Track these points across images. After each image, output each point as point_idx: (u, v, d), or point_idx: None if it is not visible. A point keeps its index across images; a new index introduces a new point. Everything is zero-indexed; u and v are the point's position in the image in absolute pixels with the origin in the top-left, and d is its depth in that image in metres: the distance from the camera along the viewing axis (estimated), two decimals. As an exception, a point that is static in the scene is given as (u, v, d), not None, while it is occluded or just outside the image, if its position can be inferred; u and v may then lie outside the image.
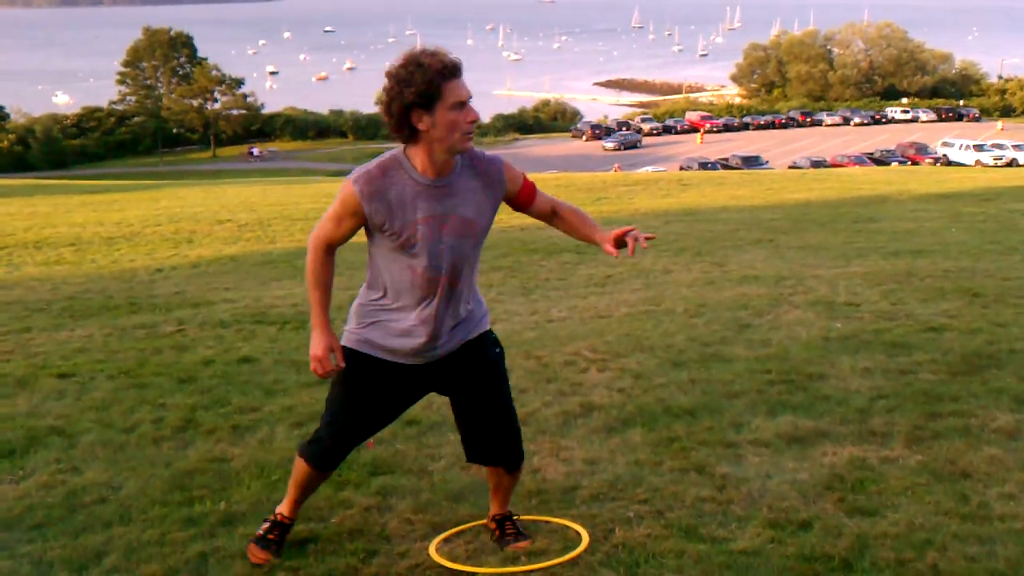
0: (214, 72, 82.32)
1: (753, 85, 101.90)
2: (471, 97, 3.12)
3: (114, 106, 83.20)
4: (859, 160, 56.43)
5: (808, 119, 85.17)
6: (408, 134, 3.14)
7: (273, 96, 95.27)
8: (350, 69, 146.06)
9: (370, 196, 3.17)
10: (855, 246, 11.49)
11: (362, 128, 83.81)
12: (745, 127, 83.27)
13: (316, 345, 3.35)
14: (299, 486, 3.62)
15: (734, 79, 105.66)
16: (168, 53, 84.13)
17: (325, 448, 3.51)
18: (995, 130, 74.64)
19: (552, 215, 3.50)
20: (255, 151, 77.51)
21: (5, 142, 72.25)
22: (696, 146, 71.47)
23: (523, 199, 3.42)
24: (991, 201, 18.10)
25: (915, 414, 4.88)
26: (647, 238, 3.35)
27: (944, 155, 56.89)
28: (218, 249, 13.53)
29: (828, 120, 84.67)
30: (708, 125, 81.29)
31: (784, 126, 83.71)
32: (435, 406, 5.25)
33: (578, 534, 3.66)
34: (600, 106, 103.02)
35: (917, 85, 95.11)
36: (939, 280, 8.67)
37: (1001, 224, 13.88)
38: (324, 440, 3.50)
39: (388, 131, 3.20)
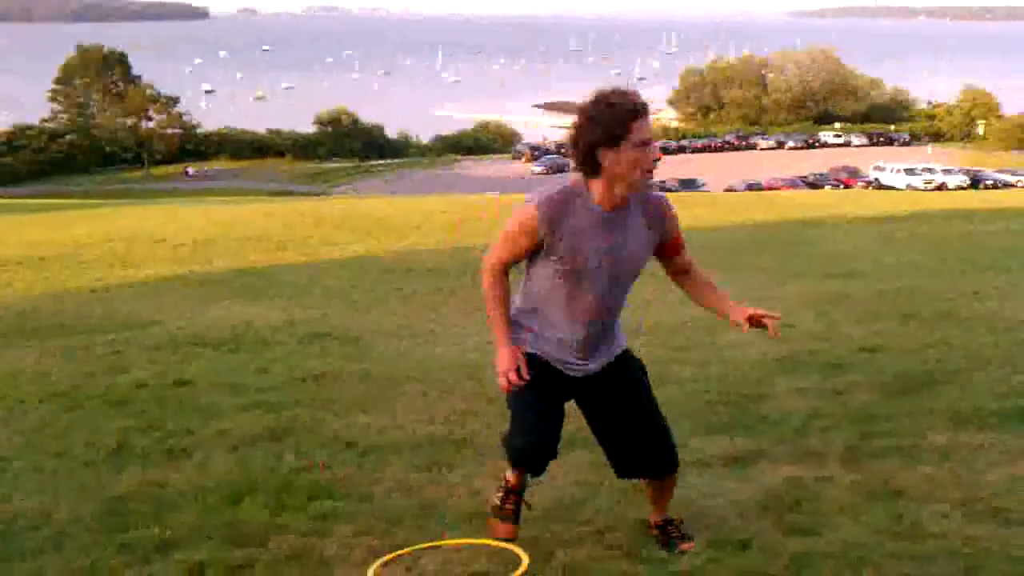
0: (149, 91, 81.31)
1: (690, 109, 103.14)
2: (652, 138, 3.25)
3: (46, 124, 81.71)
4: (793, 183, 57.37)
5: (743, 143, 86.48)
6: (591, 168, 3.27)
7: (209, 115, 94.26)
8: (288, 88, 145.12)
9: (550, 221, 3.29)
10: (790, 268, 11.67)
11: (300, 148, 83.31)
12: (682, 150, 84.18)
13: (504, 360, 3.40)
14: (510, 497, 3.64)
15: (671, 103, 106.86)
16: (101, 71, 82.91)
17: (530, 445, 3.47)
18: (925, 154, 76.38)
19: (685, 275, 3.64)
20: (191, 171, 76.62)
21: (-68, 160, 70.61)
22: (634, 169, 71.97)
23: (671, 247, 3.53)
24: (922, 224, 18.52)
25: (850, 434, 4.95)
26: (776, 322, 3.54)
27: (876, 179, 58.05)
28: (154, 270, 13.32)
29: (763, 144, 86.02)
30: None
31: (720, 149, 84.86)
32: (374, 429, 5.22)
33: (518, 556, 3.64)
34: (541, 129, 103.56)
35: (850, 110, 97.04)
36: (873, 301, 8.84)
37: (933, 246, 14.19)
38: (525, 440, 3.47)
39: (573, 163, 3.33)
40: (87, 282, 12.10)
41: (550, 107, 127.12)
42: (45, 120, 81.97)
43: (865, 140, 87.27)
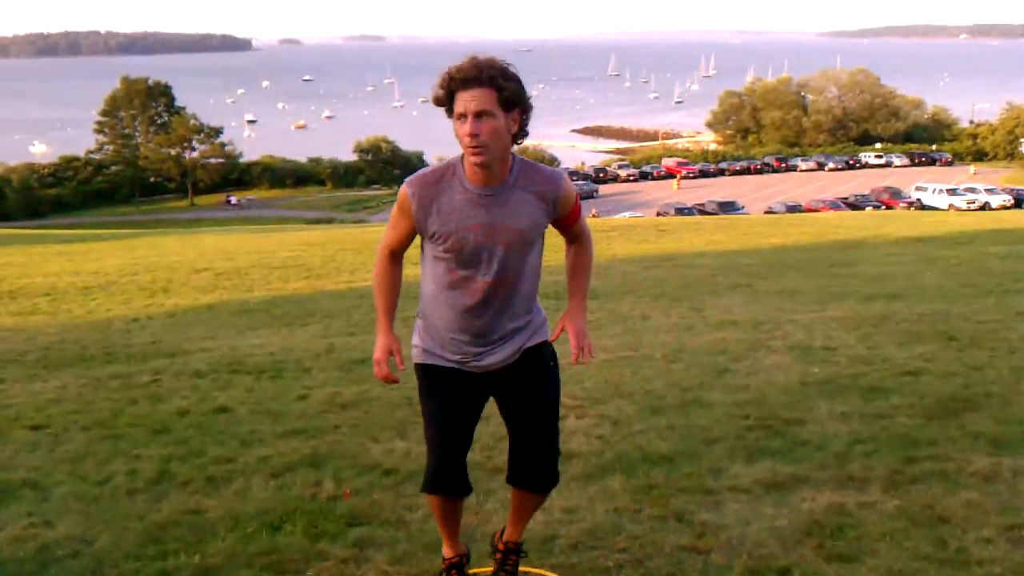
0: (192, 121, 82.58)
1: (728, 131, 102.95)
2: (480, 111, 3.00)
3: (91, 155, 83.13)
4: (834, 205, 56.95)
5: (783, 164, 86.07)
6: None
7: (251, 144, 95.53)
8: (329, 118, 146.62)
9: (420, 199, 3.17)
10: (831, 290, 11.56)
11: (340, 176, 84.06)
12: (721, 173, 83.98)
13: (377, 348, 3.36)
14: (440, 521, 3.56)
15: (709, 125, 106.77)
16: (146, 102, 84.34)
17: (431, 468, 3.38)
18: (967, 174, 75.58)
19: (571, 244, 3.52)
20: (233, 199, 77.55)
21: (-19, 192, 72.00)
22: (673, 192, 71.97)
23: (567, 220, 3.37)
24: (965, 245, 18.29)
25: (892, 459, 4.88)
26: (587, 356, 3.44)
27: (918, 199, 57.49)
28: (194, 298, 13.47)
29: (802, 165, 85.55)
30: (684, 171, 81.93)
31: (759, 172, 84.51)
32: (412, 455, 5.23)
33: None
34: (578, 153, 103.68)
35: (890, 131, 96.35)
36: (915, 324, 8.73)
37: (975, 267, 14.01)
38: (429, 462, 3.40)
39: None
40: (129, 311, 12.26)
41: (588, 132, 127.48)
42: (91, 151, 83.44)
43: (906, 160, 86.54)
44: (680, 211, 54.36)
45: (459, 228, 3.14)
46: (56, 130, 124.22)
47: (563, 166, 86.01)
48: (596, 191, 73.21)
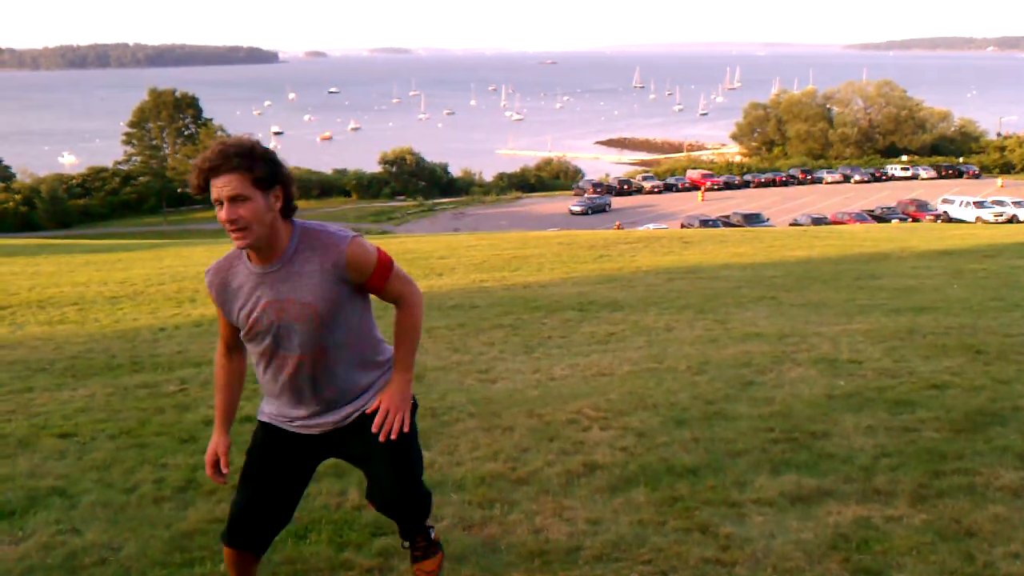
0: (219, 132, 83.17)
1: (753, 143, 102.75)
2: (235, 196, 2.96)
3: (119, 166, 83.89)
4: (860, 217, 56.67)
5: (808, 177, 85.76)
6: None
7: (278, 155, 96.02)
8: (354, 129, 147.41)
9: (217, 287, 3.21)
10: (857, 303, 11.50)
11: (365, 187, 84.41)
12: (746, 185, 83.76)
13: (208, 450, 3.41)
14: (231, 572, 3.47)
15: (734, 137, 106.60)
16: (173, 114, 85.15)
17: (231, 517, 3.36)
18: (995, 187, 75.05)
19: (396, 308, 3.33)
20: (259, 210, 77.99)
21: (11, 203, 72.76)
22: (697, 204, 71.82)
23: (370, 286, 3.21)
24: (992, 258, 18.15)
25: (919, 472, 4.85)
26: (386, 434, 3.22)
27: (945, 212, 57.16)
28: (221, 308, 13.54)
29: (828, 178, 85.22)
30: (709, 183, 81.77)
31: (784, 184, 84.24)
32: (436, 465, 5.24)
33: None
34: (602, 164, 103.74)
35: (917, 143, 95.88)
36: (941, 337, 8.67)
37: (1003, 280, 13.90)
38: (231, 512, 3.39)
39: None
40: (156, 320, 12.34)
41: (612, 143, 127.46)
42: (119, 162, 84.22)
43: (933, 173, 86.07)
44: (704, 223, 54.24)
45: (251, 309, 3.15)
46: (85, 141, 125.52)
47: (587, 177, 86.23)
48: (609, 204, 72.32)
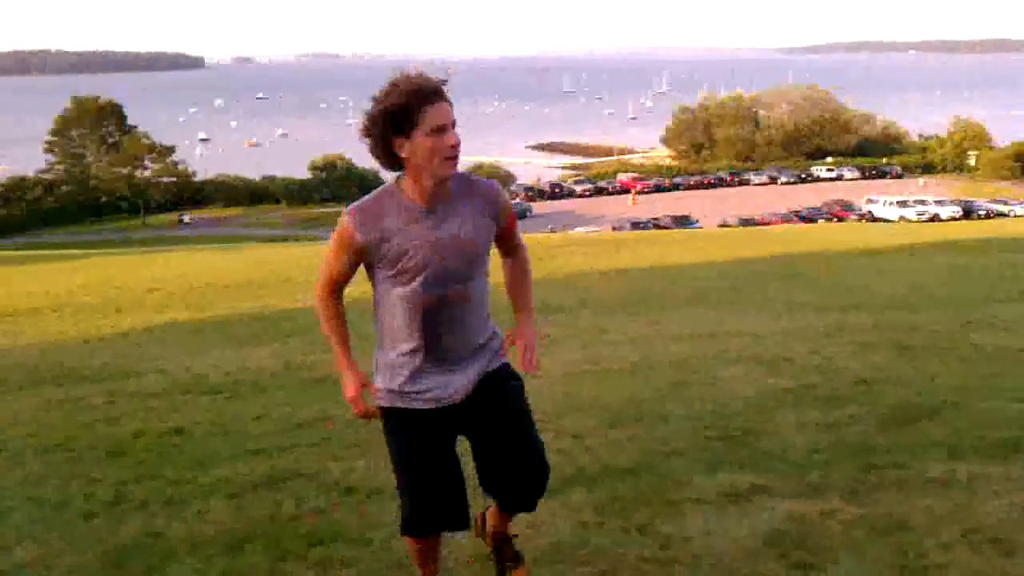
0: (144, 140, 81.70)
1: (682, 147, 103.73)
2: (454, 121, 3.02)
3: (42, 175, 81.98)
4: (787, 218, 57.65)
5: (736, 179, 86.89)
6: (392, 162, 3.09)
7: (205, 163, 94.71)
8: (283, 135, 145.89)
9: (363, 225, 3.09)
10: (786, 301, 11.68)
11: (295, 194, 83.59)
12: (675, 187, 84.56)
13: (346, 387, 3.30)
14: (419, 562, 3.53)
15: (664, 141, 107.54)
16: (97, 122, 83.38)
17: (406, 516, 3.34)
18: (917, 186, 76.76)
19: (509, 256, 3.46)
20: (186, 218, 76.80)
21: (-73, 214, 70.75)
22: (628, 207, 72.36)
23: (505, 232, 3.32)
24: (915, 255, 18.57)
25: (851, 467, 4.93)
26: (533, 368, 3.37)
27: (869, 212, 58.35)
28: (148, 318, 13.31)
29: (756, 180, 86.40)
30: (640, 186, 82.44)
31: (713, 186, 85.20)
32: (373, 473, 5.20)
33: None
34: (534, 168, 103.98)
35: (841, 144, 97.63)
36: (868, 333, 8.84)
37: (926, 277, 14.23)
38: (404, 508, 3.35)
39: (375, 160, 3.12)
40: (82, 332, 12.09)
41: (543, 148, 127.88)
42: (41, 171, 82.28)
43: (857, 174, 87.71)
44: (636, 226, 54.68)
45: (407, 247, 3.10)
46: (5, 150, 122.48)
47: (519, 181, 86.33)
48: (530, 210, 70.54)
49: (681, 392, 6.78)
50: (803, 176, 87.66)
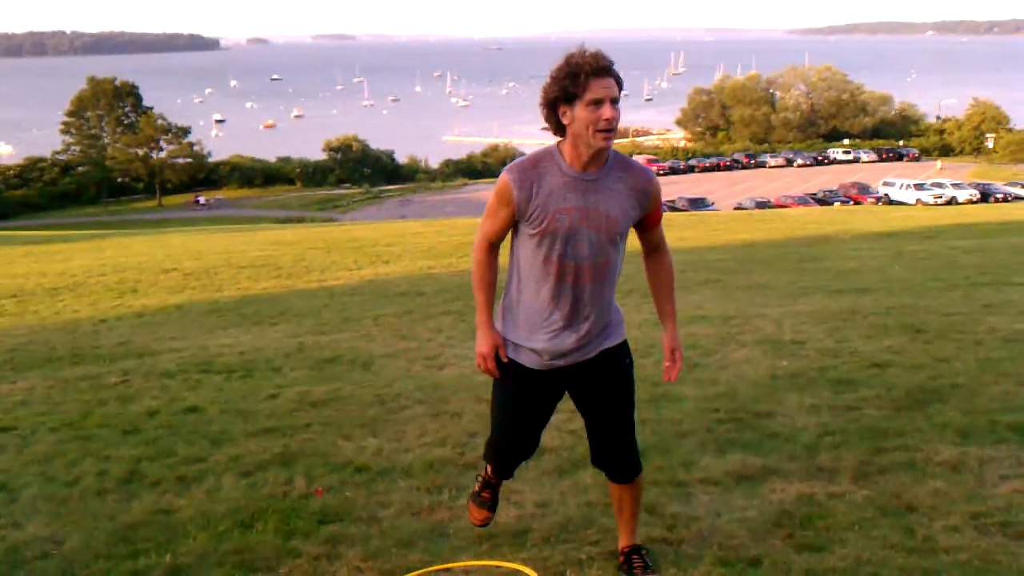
0: (160, 121, 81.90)
1: (698, 128, 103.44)
2: (615, 98, 3.18)
3: (58, 156, 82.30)
4: (802, 200, 57.36)
5: (752, 161, 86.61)
6: (556, 127, 3.26)
7: (220, 144, 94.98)
8: (298, 117, 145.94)
9: (520, 183, 3.26)
10: (800, 285, 11.64)
11: (310, 175, 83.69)
12: (691, 170, 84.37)
13: (482, 343, 3.49)
14: (491, 477, 3.86)
15: (679, 123, 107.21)
16: (113, 103, 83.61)
17: (495, 455, 3.73)
18: (935, 169, 76.30)
19: (653, 253, 3.60)
20: (201, 199, 77.07)
21: (-54, 194, 71.13)
22: (643, 189, 72.05)
23: (650, 220, 3.47)
24: (932, 239, 18.48)
25: (861, 449, 4.93)
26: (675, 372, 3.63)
27: (885, 194, 58.00)
28: (163, 298, 13.37)
29: (771, 162, 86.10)
30: (655, 168, 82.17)
31: (729, 168, 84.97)
32: (384, 452, 5.22)
33: (529, 577, 3.65)
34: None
35: (858, 127, 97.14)
36: (882, 317, 8.81)
37: (942, 261, 14.16)
38: (492, 446, 3.72)
39: (546, 123, 3.31)
40: (97, 312, 12.16)
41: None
42: (57, 152, 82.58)
43: (874, 156, 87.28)
44: (650, 208, 54.44)
45: (555, 209, 3.26)
46: (22, 131, 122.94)
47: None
48: None
49: (693, 374, 6.78)
50: (819, 158, 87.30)
